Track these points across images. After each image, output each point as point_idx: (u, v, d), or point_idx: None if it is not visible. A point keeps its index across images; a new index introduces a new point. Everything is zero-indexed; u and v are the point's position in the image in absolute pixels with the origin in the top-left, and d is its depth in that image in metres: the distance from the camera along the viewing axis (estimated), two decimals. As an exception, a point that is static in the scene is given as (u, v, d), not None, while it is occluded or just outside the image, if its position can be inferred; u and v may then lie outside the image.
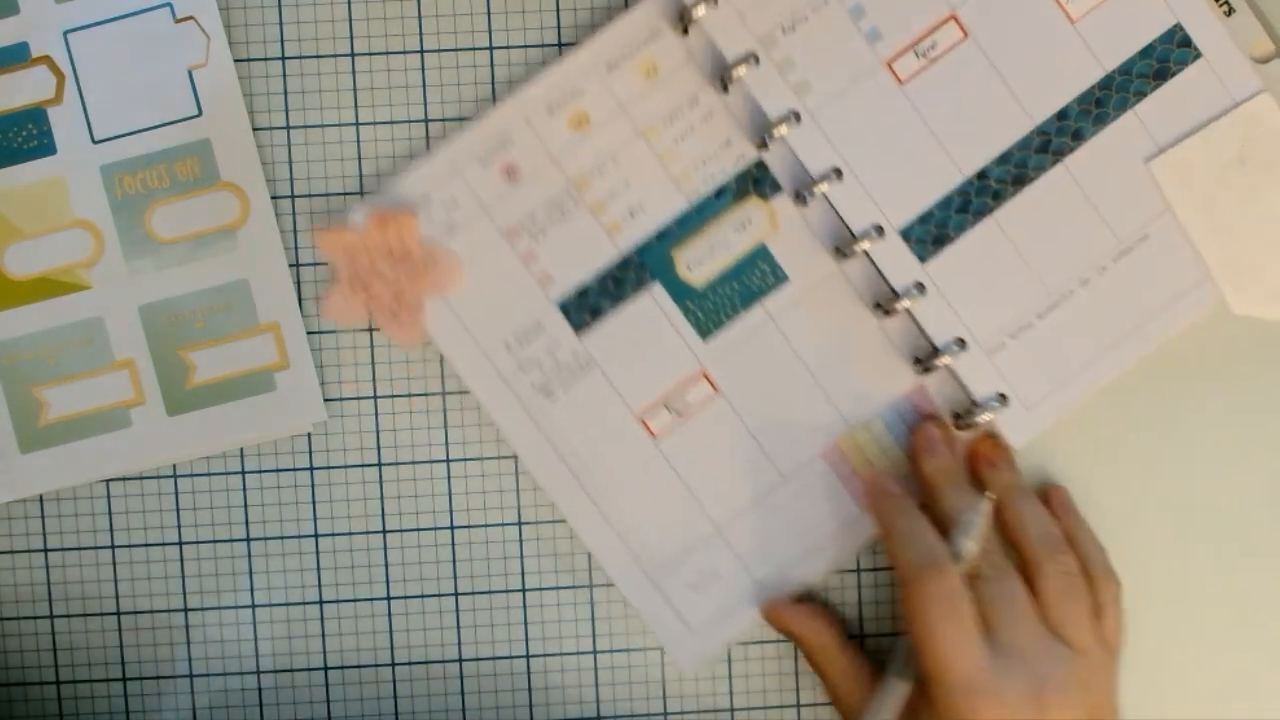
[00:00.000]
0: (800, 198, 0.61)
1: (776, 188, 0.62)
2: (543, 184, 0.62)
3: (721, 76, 0.61)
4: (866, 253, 0.61)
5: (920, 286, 0.61)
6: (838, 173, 0.61)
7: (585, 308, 0.62)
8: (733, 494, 0.62)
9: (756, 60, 0.61)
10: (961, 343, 0.61)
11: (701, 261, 0.62)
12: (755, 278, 0.62)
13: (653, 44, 0.62)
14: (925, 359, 0.61)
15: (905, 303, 0.61)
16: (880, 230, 0.61)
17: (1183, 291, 0.62)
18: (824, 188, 0.61)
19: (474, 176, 0.61)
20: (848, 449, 0.63)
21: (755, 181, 0.62)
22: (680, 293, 0.62)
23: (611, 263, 0.62)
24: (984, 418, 0.61)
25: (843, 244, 0.61)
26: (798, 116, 0.61)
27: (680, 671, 0.64)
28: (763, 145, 0.62)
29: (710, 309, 0.62)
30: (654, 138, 0.62)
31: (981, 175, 0.61)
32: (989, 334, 0.61)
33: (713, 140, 0.62)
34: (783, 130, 0.61)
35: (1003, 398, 0.61)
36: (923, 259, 0.61)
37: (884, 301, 0.61)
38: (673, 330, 0.62)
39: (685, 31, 0.61)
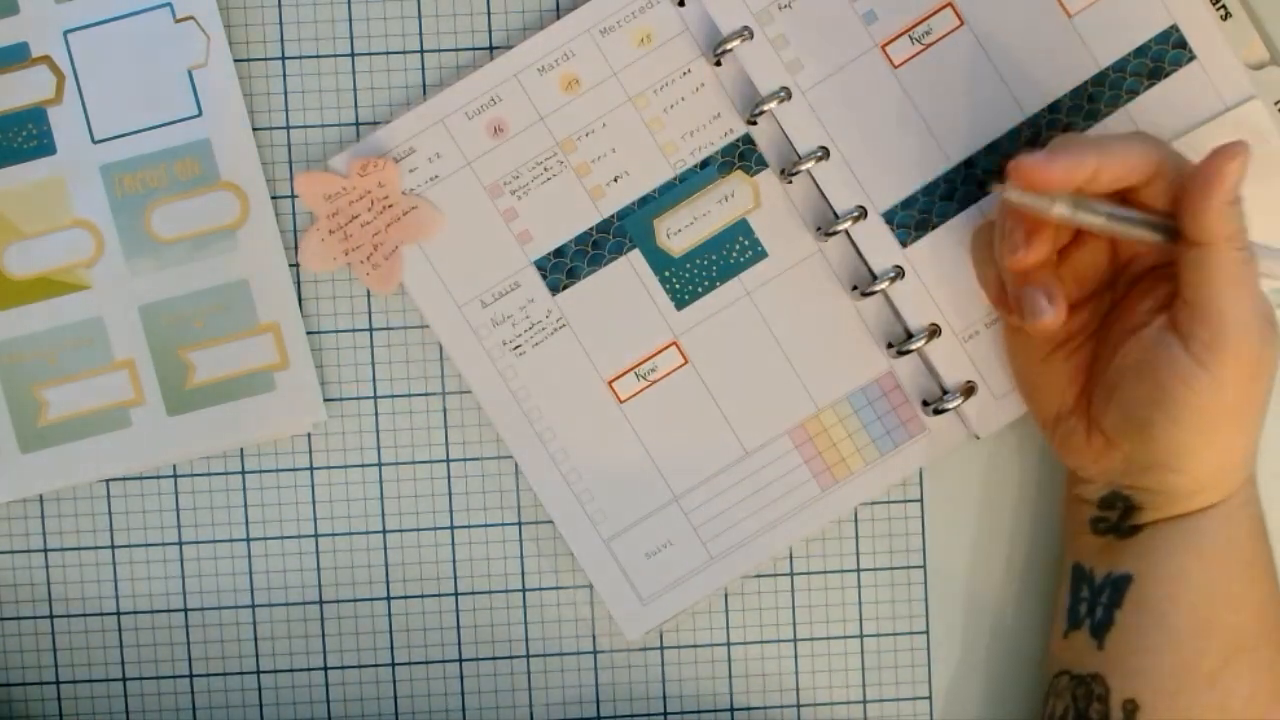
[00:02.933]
0: (786, 175, 0.62)
1: (762, 163, 0.62)
2: (529, 143, 0.62)
3: (715, 49, 0.61)
4: (848, 233, 0.62)
5: (899, 270, 0.61)
6: (825, 152, 0.61)
7: (562, 268, 0.62)
8: (694, 465, 0.63)
9: (751, 35, 0.61)
10: (936, 328, 0.62)
11: (681, 231, 0.62)
12: (735, 252, 0.63)
13: (648, 12, 0.62)
14: (899, 343, 0.62)
15: (883, 285, 0.61)
16: (863, 212, 0.61)
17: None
18: (810, 166, 0.61)
19: (460, 130, 0.62)
20: (814, 430, 0.63)
21: (742, 156, 0.62)
22: (658, 261, 0.62)
23: (592, 226, 0.62)
24: (952, 404, 0.61)
25: (825, 223, 0.62)
26: (788, 93, 0.61)
27: (626, 640, 0.64)
28: (752, 120, 0.62)
29: (687, 279, 0.63)
30: (643, 105, 0.62)
31: (969, 163, 0.61)
32: (964, 321, 0.62)
33: (702, 112, 0.62)
34: (772, 106, 0.61)
35: (971, 387, 0.62)
36: (904, 243, 0.62)
37: (861, 283, 0.62)
38: (648, 297, 0.63)
39: (681, 3, 0.62)
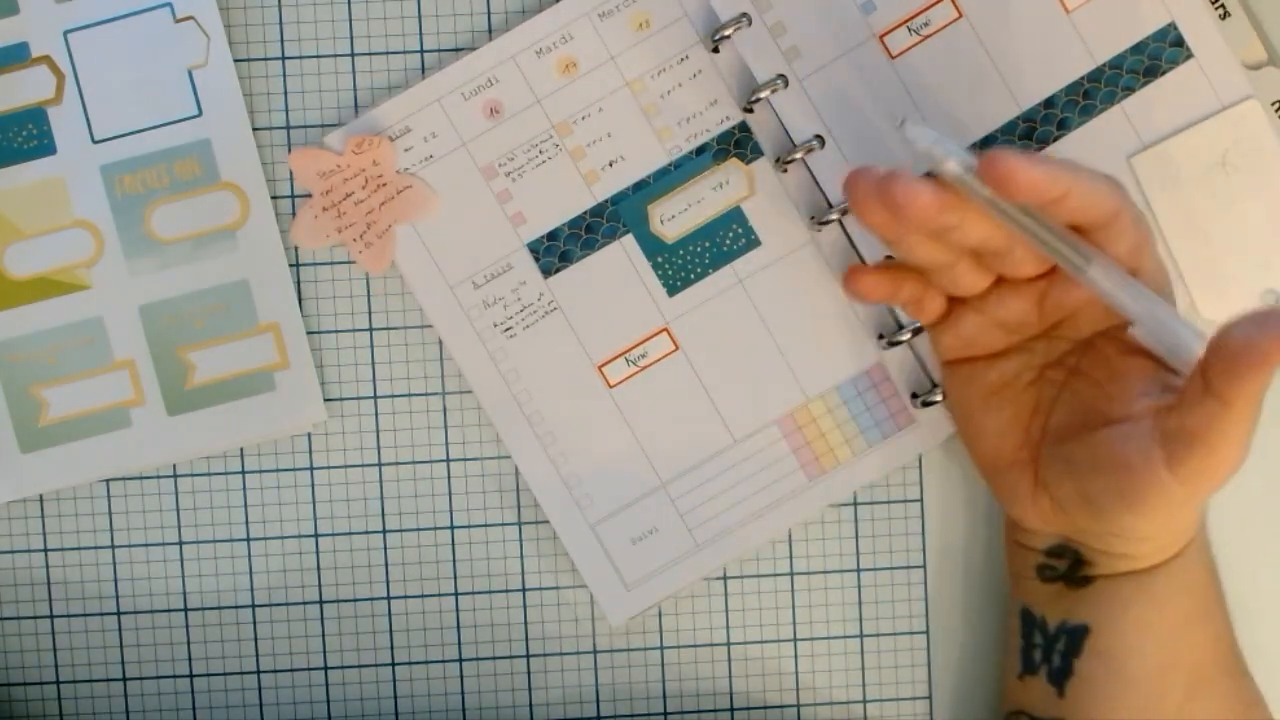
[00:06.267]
0: (781, 163, 0.62)
1: (758, 152, 0.63)
2: (525, 125, 0.62)
3: (713, 36, 0.62)
4: (841, 223, 0.62)
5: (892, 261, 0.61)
6: (820, 141, 0.61)
7: (555, 251, 0.62)
8: (682, 451, 0.63)
9: (749, 22, 0.61)
10: None
11: (675, 217, 0.63)
12: (728, 239, 0.63)
13: None
14: (889, 334, 0.62)
15: None
16: None
17: (1152, 290, 0.62)
18: (805, 155, 0.61)
19: (456, 111, 0.62)
20: (802, 420, 0.63)
21: (737, 143, 0.62)
22: (651, 246, 0.63)
23: (586, 210, 0.62)
24: (939, 397, 0.62)
25: (819, 213, 0.62)
26: (785, 81, 0.61)
27: (609, 625, 0.64)
28: (748, 108, 0.62)
29: (680, 265, 0.63)
30: (640, 90, 0.62)
31: (964, 156, 0.62)
32: None
33: (699, 98, 0.62)
34: (769, 94, 0.61)
35: None
36: None
37: (854, 274, 0.62)
38: (640, 283, 0.63)
39: None
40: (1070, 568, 0.58)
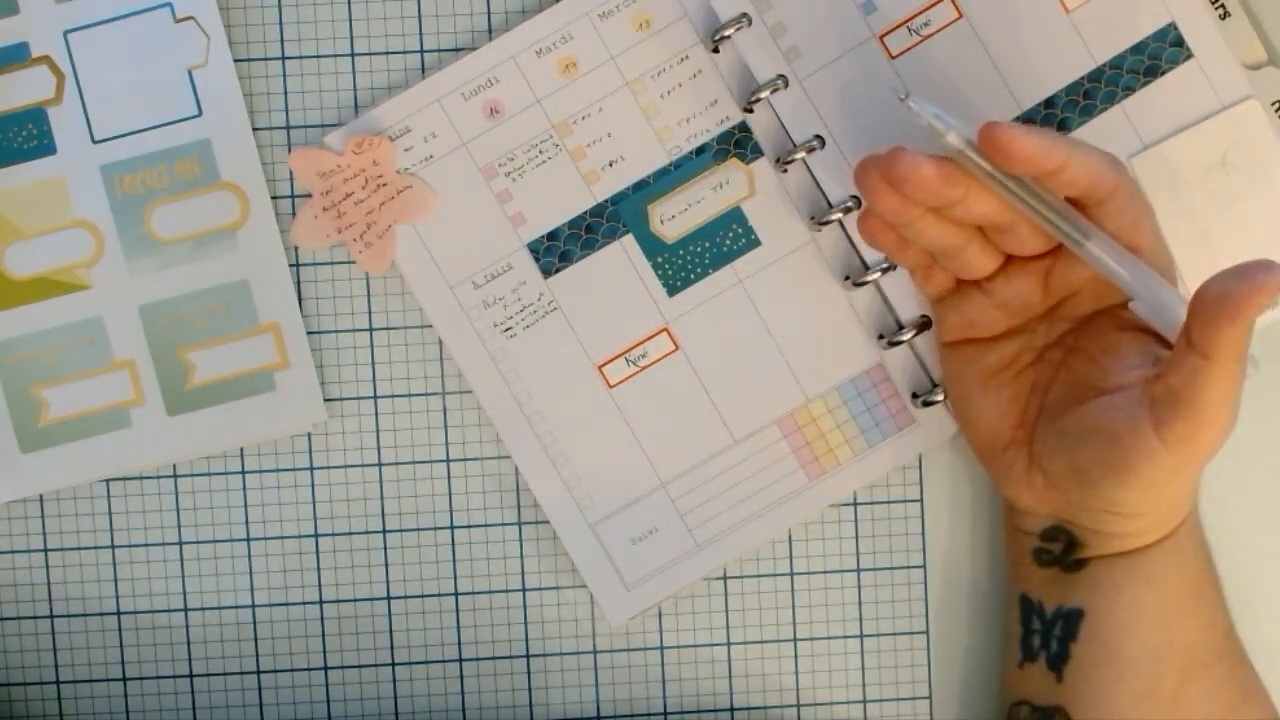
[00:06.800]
0: (781, 163, 0.62)
1: (758, 152, 0.63)
2: (525, 125, 0.62)
3: (713, 36, 0.62)
4: (841, 223, 0.62)
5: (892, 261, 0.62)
6: (820, 141, 0.61)
7: (555, 251, 0.62)
8: (682, 451, 0.63)
9: (749, 22, 0.61)
10: (927, 321, 0.62)
11: (675, 217, 0.63)
12: (728, 239, 0.63)
13: None
14: (889, 335, 0.62)
15: (874, 276, 0.61)
16: (857, 202, 0.61)
17: (1152, 290, 0.62)
18: (805, 155, 0.61)
19: (456, 111, 0.62)
20: (803, 420, 0.63)
21: (737, 144, 0.63)
22: (651, 246, 0.63)
23: (586, 210, 0.62)
24: (939, 397, 0.62)
25: (818, 213, 0.62)
26: (785, 82, 0.61)
27: (609, 625, 0.64)
28: (748, 108, 0.62)
29: (680, 265, 0.63)
30: (640, 91, 0.62)
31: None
32: None
33: (699, 99, 0.62)
34: (769, 94, 0.61)
35: None
36: None
37: (854, 274, 0.62)
38: (640, 283, 0.63)
39: None
40: (1064, 550, 0.58)
